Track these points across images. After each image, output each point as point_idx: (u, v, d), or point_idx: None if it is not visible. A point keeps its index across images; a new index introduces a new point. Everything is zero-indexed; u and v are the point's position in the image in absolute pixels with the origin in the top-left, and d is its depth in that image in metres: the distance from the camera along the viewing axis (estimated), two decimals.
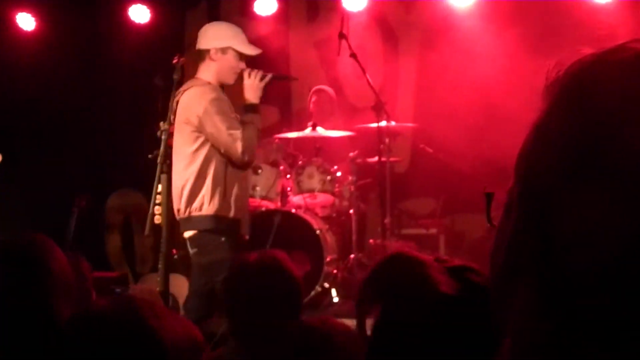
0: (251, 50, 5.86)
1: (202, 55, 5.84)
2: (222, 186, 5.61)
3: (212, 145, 5.59)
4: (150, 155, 5.45)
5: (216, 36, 5.85)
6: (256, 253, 3.67)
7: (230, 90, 5.94)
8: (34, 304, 2.41)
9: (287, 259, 3.58)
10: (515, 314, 0.93)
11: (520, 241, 0.92)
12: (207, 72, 5.81)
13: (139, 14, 9.16)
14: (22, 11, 9.14)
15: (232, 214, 5.66)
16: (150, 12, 9.17)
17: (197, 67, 5.88)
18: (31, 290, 2.42)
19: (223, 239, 5.61)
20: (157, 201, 5.31)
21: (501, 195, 1.00)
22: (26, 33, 9.21)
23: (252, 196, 7.69)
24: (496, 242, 0.98)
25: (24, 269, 2.50)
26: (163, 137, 5.49)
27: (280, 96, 9.00)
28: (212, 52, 5.77)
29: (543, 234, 0.89)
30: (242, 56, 5.82)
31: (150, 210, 5.30)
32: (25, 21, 9.17)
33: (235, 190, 5.67)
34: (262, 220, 7.38)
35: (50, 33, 9.20)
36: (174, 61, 5.78)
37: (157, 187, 5.33)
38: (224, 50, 5.76)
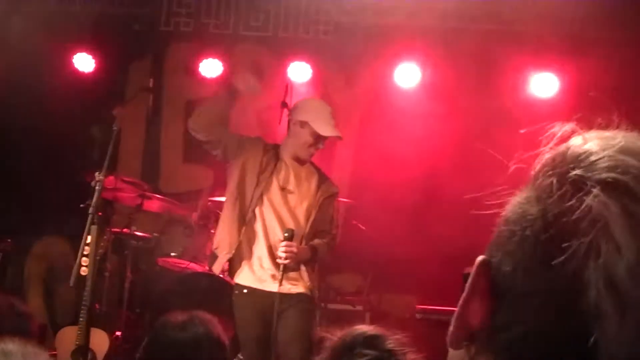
0: (326, 132, 5.78)
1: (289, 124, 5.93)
2: None
3: None
4: (82, 205, 5.35)
5: (302, 109, 5.87)
6: (183, 314, 3.59)
7: None
8: None
9: (214, 322, 3.51)
10: None
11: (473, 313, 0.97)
12: (286, 140, 5.94)
13: (84, 63, 9.09)
14: None
15: None
16: (95, 62, 9.11)
17: None
18: None
19: None
20: (85, 252, 5.19)
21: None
22: None
23: (181, 257, 7.61)
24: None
25: None
26: (97, 187, 5.41)
27: (215, 159, 8.96)
28: (291, 122, 5.86)
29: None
30: (320, 137, 5.77)
31: (78, 261, 5.17)
32: None
33: None
34: (188, 282, 7.30)
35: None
36: (115, 112, 5.73)
37: (86, 238, 5.22)
38: (302, 124, 5.77)
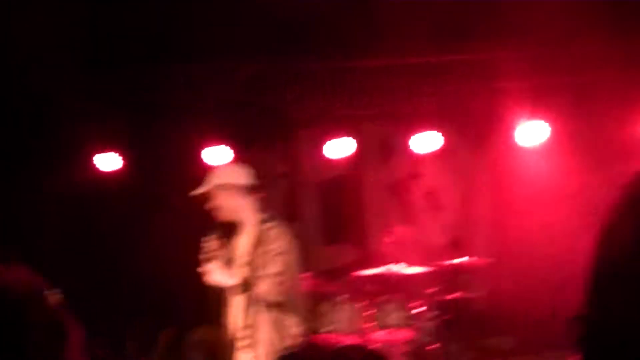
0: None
1: None
2: None
3: None
4: None
5: None
6: None
7: None
8: None
9: None
10: None
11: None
12: None
13: (215, 156, 9.11)
14: (105, 152, 9.18)
15: None
16: (227, 153, 9.22)
17: None
18: None
19: None
20: None
21: None
22: (106, 173, 9.28)
23: (333, 331, 7.66)
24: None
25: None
26: None
27: (355, 235, 9.05)
28: None
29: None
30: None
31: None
32: (109, 161, 9.16)
33: None
34: (342, 356, 7.31)
35: (131, 171, 9.31)
36: None
37: None
38: None
